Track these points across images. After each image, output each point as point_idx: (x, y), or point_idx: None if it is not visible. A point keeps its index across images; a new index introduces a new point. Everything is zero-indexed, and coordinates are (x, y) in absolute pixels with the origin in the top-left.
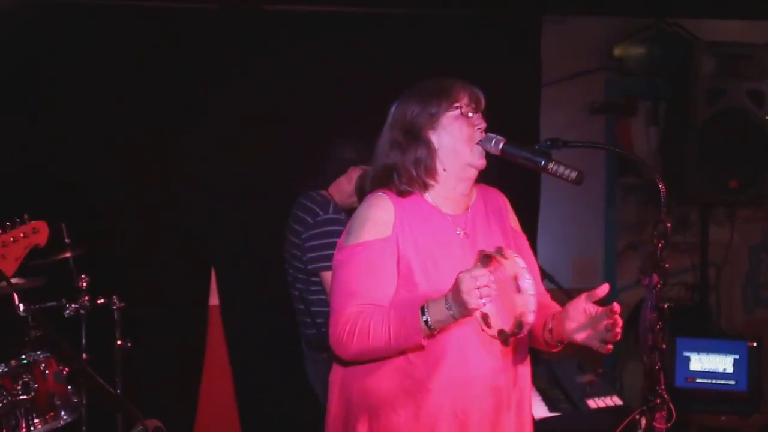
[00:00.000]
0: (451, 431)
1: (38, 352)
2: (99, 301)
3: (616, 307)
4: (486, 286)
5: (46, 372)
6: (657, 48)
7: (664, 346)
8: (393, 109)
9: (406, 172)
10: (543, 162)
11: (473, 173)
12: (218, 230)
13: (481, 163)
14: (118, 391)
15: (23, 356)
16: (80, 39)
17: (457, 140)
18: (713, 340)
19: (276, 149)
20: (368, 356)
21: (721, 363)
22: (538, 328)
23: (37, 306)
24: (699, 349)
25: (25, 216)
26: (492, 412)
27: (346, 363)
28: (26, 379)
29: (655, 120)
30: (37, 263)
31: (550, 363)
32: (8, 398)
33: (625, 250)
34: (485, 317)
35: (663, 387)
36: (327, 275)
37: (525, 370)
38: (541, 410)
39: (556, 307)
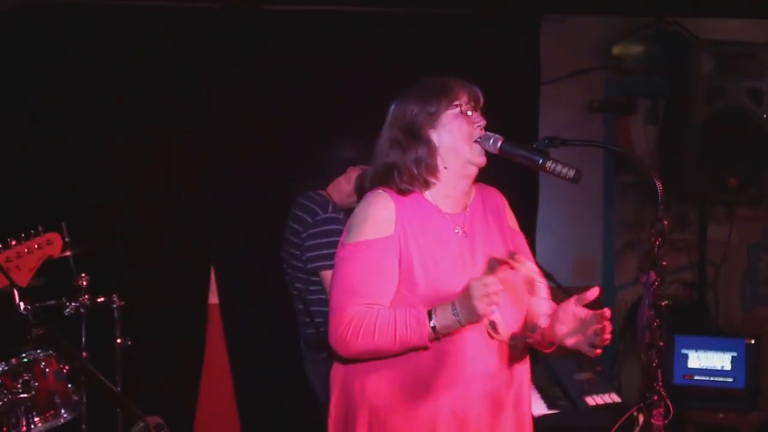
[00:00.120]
0: (450, 430)
1: (38, 351)
2: (99, 300)
3: (607, 312)
4: (496, 293)
5: (47, 370)
6: (656, 47)
7: (661, 344)
8: (392, 108)
9: (407, 171)
10: (541, 160)
11: (473, 171)
12: (218, 229)
13: (482, 160)
14: (118, 389)
15: (23, 354)
16: (80, 39)
17: (457, 138)
18: (711, 337)
19: (276, 148)
20: (370, 356)
21: (719, 360)
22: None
23: (37, 305)
24: (697, 347)
25: (40, 228)
26: (491, 410)
27: (346, 361)
28: (26, 378)
29: (654, 119)
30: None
31: (549, 361)
32: (8, 396)
33: (623, 249)
34: (493, 324)
35: (660, 384)
36: (326, 274)
37: (524, 368)
38: (539, 408)
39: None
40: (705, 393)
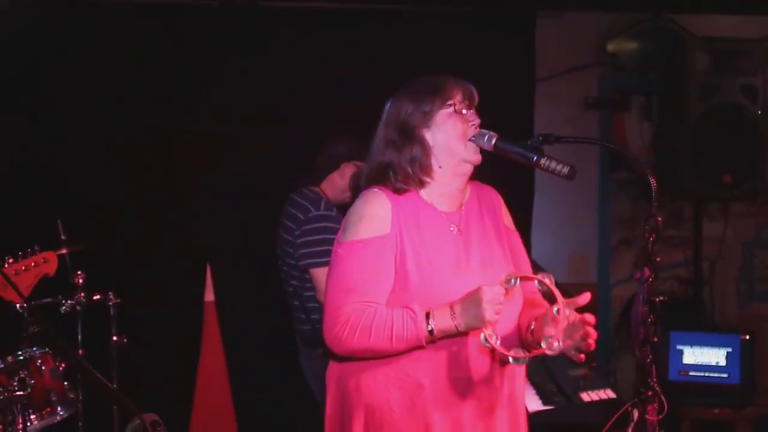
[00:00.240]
0: (446, 428)
1: (34, 348)
2: (95, 298)
3: (590, 318)
4: (501, 303)
5: (43, 368)
6: (651, 43)
7: (655, 340)
8: (387, 107)
9: (402, 170)
10: (535, 157)
11: (469, 168)
12: (214, 227)
13: (477, 158)
14: (114, 386)
15: (19, 352)
16: (79, 38)
17: (451, 137)
18: (706, 333)
19: (272, 146)
20: (365, 355)
21: (714, 356)
22: (523, 328)
23: (33, 302)
24: (692, 343)
25: (36, 247)
26: (486, 408)
27: (341, 360)
28: (22, 375)
29: (648, 115)
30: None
31: (545, 357)
32: (4, 394)
33: (618, 245)
34: (492, 335)
35: (655, 380)
36: (317, 272)
37: (518, 370)
38: (534, 403)
39: (544, 307)
40: (700, 389)
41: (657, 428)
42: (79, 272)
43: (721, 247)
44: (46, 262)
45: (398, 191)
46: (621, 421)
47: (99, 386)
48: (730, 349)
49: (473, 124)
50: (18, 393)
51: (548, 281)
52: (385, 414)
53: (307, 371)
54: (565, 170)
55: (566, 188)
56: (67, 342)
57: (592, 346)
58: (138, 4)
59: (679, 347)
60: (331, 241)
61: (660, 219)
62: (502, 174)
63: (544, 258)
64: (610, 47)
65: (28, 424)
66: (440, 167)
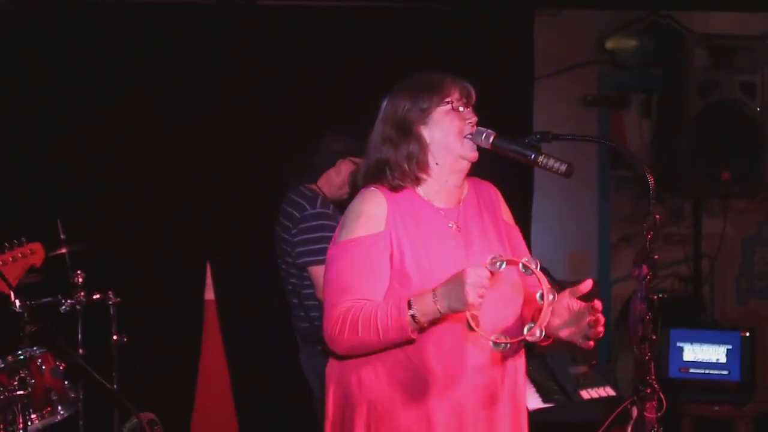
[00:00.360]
0: (448, 422)
1: (35, 348)
2: (95, 297)
3: (598, 304)
4: (485, 287)
5: (43, 367)
6: (649, 41)
7: (654, 337)
8: (384, 104)
9: (399, 167)
10: (533, 155)
11: (466, 166)
12: (213, 225)
13: (474, 155)
14: (115, 386)
15: (20, 352)
16: (79, 38)
17: (448, 134)
18: (706, 330)
19: (271, 145)
20: (361, 350)
21: (714, 353)
22: (527, 322)
23: (33, 302)
24: (692, 340)
25: (23, 238)
26: (488, 403)
27: (341, 357)
28: (23, 375)
29: (648, 113)
30: None
31: (544, 355)
32: (5, 394)
33: (618, 243)
34: (475, 318)
35: (653, 377)
36: (315, 270)
37: (519, 361)
38: (534, 401)
39: None
40: (700, 386)
41: (656, 425)
42: (79, 272)
43: (721, 244)
44: (33, 254)
45: (395, 188)
46: (621, 418)
47: (96, 385)
48: (730, 346)
49: (470, 122)
50: (18, 392)
51: (533, 266)
52: (386, 408)
53: (307, 368)
54: (563, 168)
55: (566, 186)
56: (67, 341)
57: (601, 333)
58: (137, 4)
59: (679, 344)
60: (328, 239)
61: (658, 216)
62: (502, 172)
63: (545, 256)
64: (609, 45)
65: (29, 423)
66: (437, 164)
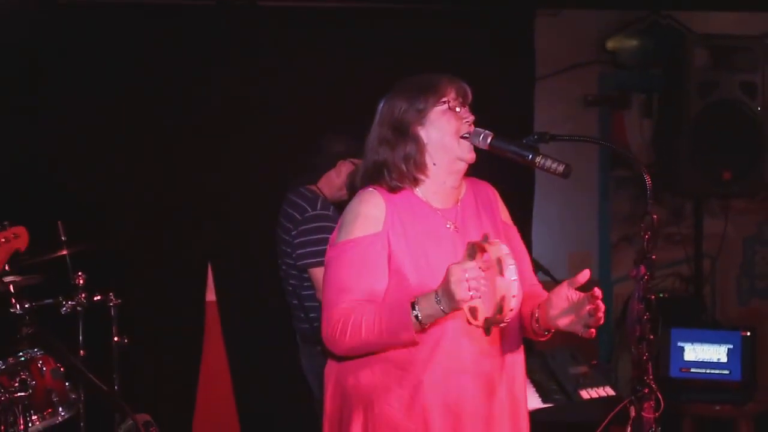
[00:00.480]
0: (445, 422)
1: (35, 349)
2: (95, 298)
3: (597, 291)
4: (475, 278)
5: (44, 369)
6: (650, 40)
7: (651, 337)
8: (380, 106)
9: (396, 168)
10: (530, 156)
11: (463, 167)
12: (214, 226)
13: (471, 156)
14: (116, 387)
15: (20, 353)
16: (80, 38)
17: (446, 134)
18: (707, 330)
19: (272, 146)
20: (361, 351)
21: (715, 353)
22: (527, 317)
23: (33, 303)
24: (693, 339)
25: (5, 222)
26: (485, 402)
27: (340, 358)
28: (24, 376)
29: (648, 113)
30: (34, 261)
31: (545, 354)
32: (6, 395)
33: (619, 243)
34: (473, 310)
35: (651, 377)
36: (315, 271)
37: (517, 358)
38: (534, 401)
39: (544, 296)
40: (701, 385)
41: (653, 425)
42: (79, 273)
43: (722, 243)
44: (16, 237)
45: (393, 190)
46: (621, 418)
47: (92, 387)
48: (731, 346)
49: (467, 121)
50: (19, 394)
51: (486, 243)
52: (384, 410)
53: (307, 369)
54: (561, 168)
55: (566, 186)
56: (68, 343)
57: (602, 320)
58: (137, 4)
59: (680, 344)
60: (328, 241)
61: (655, 217)
62: (502, 172)
63: (545, 256)
64: (610, 45)
65: (30, 424)
66: (435, 164)
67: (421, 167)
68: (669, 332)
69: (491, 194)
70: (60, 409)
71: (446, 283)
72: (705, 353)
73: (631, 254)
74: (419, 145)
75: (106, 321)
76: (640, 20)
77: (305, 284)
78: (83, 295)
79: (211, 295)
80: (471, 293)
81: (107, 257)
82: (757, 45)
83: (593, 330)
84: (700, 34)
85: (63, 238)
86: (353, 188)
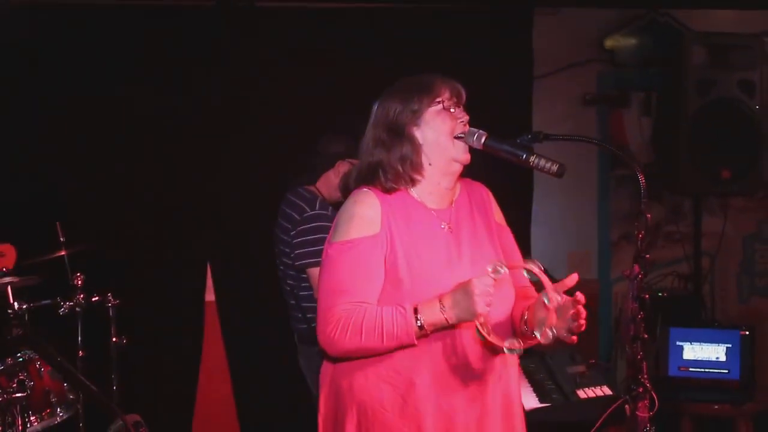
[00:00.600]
0: (438, 424)
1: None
2: (94, 299)
3: (580, 297)
4: (491, 294)
5: (42, 370)
6: (649, 39)
7: (645, 336)
8: (375, 107)
9: (392, 169)
10: (524, 155)
11: (458, 168)
12: (214, 226)
13: (465, 158)
14: (114, 388)
15: (19, 354)
16: (79, 38)
17: (441, 134)
18: (706, 329)
19: (271, 146)
20: (358, 354)
21: (714, 352)
22: (516, 319)
23: (32, 304)
24: (692, 339)
25: None
26: (478, 404)
27: (335, 360)
28: (22, 377)
29: (648, 111)
30: (32, 262)
31: (544, 354)
32: (4, 396)
33: (619, 241)
34: (485, 325)
35: (646, 376)
36: (313, 271)
37: (510, 360)
38: (531, 401)
39: (535, 297)
40: (700, 385)
41: (648, 424)
42: (78, 274)
43: (721, 242)
44: (2, 256)
45: (388, 190)
46: (619, 417)
47: (81, 388)
48: (730, 345)
49: (462, 121)
50: (17, 395)
51: (536, 269)
52: (377, 413)
53: (305, 369)
54: (554, 168)
55: (566, 185)
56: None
57: (583, 327)
58: (137, 5)
59: (678, 343)
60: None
61: (649, 216)
62: (502, 172)
63: (545, 256)
64: (608, 43)
65: (28, 425)
66: (430, 164)
67: (417, 168)
68: (668, 331)
69: (485, 195)
70: (58, 409)
71: (467, 294)
72: (704, 352)
73: (631, 253)
74: (415, 146)
75: (105, 321)
76: (639, 19)
77: (303, 284)
78: (82, 296)
79: (210, 296)
80: (488, 309)
81: (107, 257)
82: (755, 43)
83: (575, 337)
84: (698, 33)
85: (62, 239)
86: (347, 189)
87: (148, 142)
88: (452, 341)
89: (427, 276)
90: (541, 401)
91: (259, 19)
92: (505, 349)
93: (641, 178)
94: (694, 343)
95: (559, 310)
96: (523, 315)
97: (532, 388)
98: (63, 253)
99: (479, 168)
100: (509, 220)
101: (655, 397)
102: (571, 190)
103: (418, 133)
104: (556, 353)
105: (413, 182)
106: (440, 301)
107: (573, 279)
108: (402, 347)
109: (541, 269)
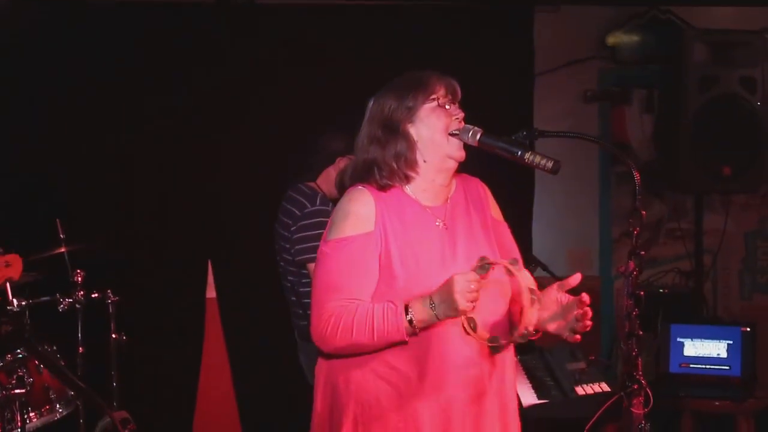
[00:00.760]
0: (435, 419)
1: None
2: (93, 296)
3: (585, 297)
4: (476, 291)
5: (41, 366)
6: (650, 36)
7: (640, 333)
8: (370, 105)
9: (387, 167)
10: (520, 152)
11: (453, 165)
12: (214, 223)
13: (460, 155)
14: (114, 385)
15: (18, 351)
16: (78, 37)
17: (436, 131)
18: (707, 325)
19: (271, 143)
20: (350, 351)
21: (715, 348)
22: (516, 316)
23: (31, 301)
24: (693, 335)
25: (0, 249)
26: (474, 398)
27: (329, 356)
28: (21, 374)
29: (649, 108)
30: (33, 258)
31: (543, 351)
32: (3, 392)
33: (620, 239)
34: (472, 321)
35: (640, 373)
36: (313, 267)
37: (506, 355)
38: (529, 397)
39: None
40: (701, 381)
41: (643, 421)
42: (78, 271)
43: (723, 239)
44: (8, 266)
45: (383, 188)
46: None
47: (70, 384)
48: (731, 342)
49: (457, 118)
50: (17, 391)
51: (515, 267)
52: (374, 408)
53: (305, 365)
54: (550, 164)
55: (566, 182)
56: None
57: (588, 327)
58: (137, 4)
59: (679, 340)
60: None
61: (644, 213)
62: (502, 169)
63: (546, 253)
64: (610, 40)
65: (27, 421)
66: (425, 161)
67: (412, 164)
68: (669, 328)
69: (481, 190)
70: (58, 406)
71: (449, 291)
72: (705, 349)
73: None
74: (410, 143)
75: (105, 318)
76: (640, 15)
77: (303, 281)
78: (81, 293)
79: (211, 292)
80: (472, 305)
81: (107, 255)
82: (757, 40)
83: (578, 336)
84: (700, 29)
85: (62, 236)
86: (342, 187)
87: (147, 139)
88: (448, 338)
89: (421, 273)
90: (539, 397)
91: (259, 16)
92: (489, 346)
93: (636, 174)
94: (696, 340)
95: (561, 310)
96: (519, 318)
97: (530, 384)
98: (63, 249)
99: (479, 164)
100: (509, 217)
101: (650, 394)
102: (572, 187)
103: (413, 130)
104: (556, 350)
105: (408, 179)
106: (430, 297)
107: (576, 278)
108: (393, 344)
109: (520, 266)
